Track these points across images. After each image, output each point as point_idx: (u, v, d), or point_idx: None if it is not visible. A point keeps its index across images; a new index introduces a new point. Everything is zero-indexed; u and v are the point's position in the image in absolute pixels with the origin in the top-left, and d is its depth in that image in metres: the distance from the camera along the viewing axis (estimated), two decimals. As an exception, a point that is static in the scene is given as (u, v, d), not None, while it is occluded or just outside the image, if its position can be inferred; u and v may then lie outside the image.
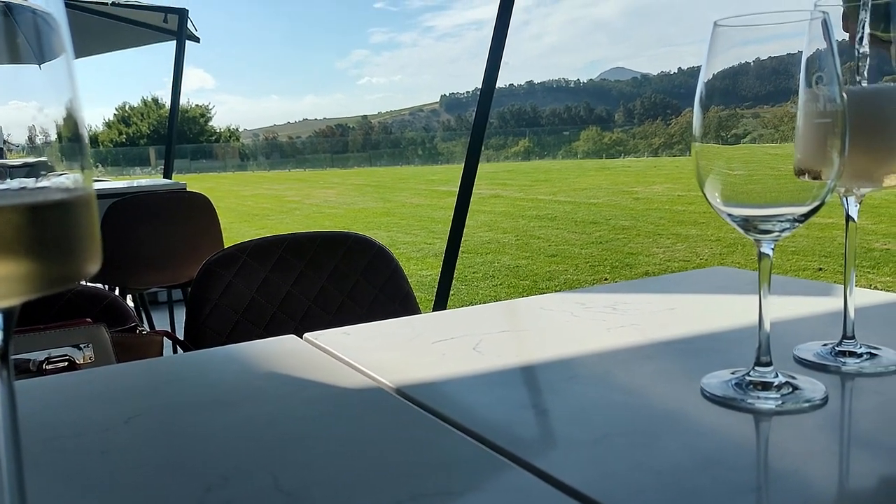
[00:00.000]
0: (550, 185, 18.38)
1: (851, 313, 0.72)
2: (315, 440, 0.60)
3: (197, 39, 6.05)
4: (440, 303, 3.69)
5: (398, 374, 0.74)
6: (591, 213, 12.24)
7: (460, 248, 3.77)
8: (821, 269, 7.03)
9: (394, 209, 14.79)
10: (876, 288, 0.99)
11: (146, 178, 11.08)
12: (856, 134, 0.60)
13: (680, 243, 9.04)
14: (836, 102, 0.57)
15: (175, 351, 2.34)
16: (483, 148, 3.79)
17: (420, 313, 1.39)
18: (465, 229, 3.67)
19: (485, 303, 1.06)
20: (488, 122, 3.62)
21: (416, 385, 0.71)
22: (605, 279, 7.23)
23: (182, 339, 1.30)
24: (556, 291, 1.04)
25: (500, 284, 7.22)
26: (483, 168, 4.60)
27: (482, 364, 0.76)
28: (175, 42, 5.85)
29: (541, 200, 14.62)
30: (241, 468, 0.55)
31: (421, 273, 7.68)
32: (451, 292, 3.89)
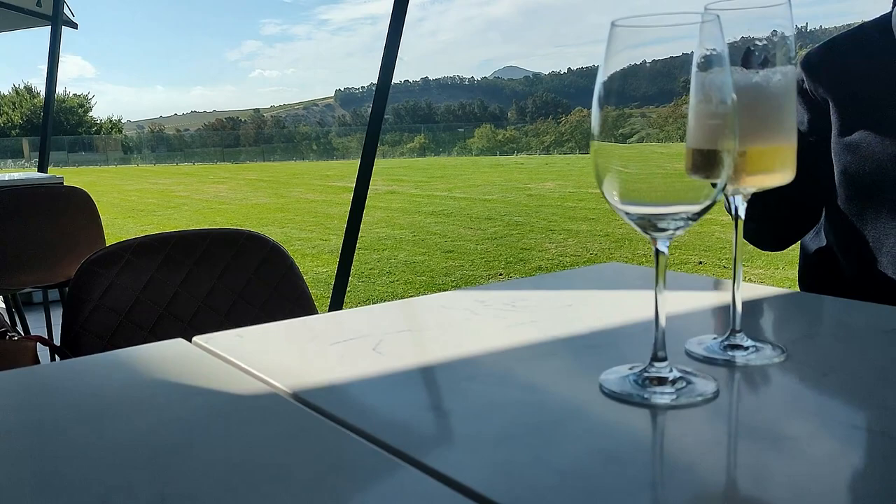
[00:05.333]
0: (446, 181, 18.51)
1: (739, 308, 0.75)
2: (205, 450, 0.56)
3: (74, 25, 5.71)
4: (337, 300, 3.64)
5: (294, 377, 0.71)
6: (485, 209, 12.41)
7: (357, 245, 3.73)
8: (701, 263, 7.40)
9: (288, 205, 14.49)
10: (751, 280, 1.04)
11: (19, 172, 10.38)
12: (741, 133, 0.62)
13: (571, 238, 9.30)
14: (727, 104, 0.59)
15: (53, 358, 2.19)
16: (379, 144, 3.76)
17: (317, 313, 1.35)
18: (361, 225, 3.64)
19: (382, 299, 1.05)
20: (384, 118, 3.59)
21: (314, 389, 0.68)
22: (500, 274, 7.34)
23: (59, 344, 1.22)
24: (452, 287, 1.04)
25: (398, 280, 7.21)
26: (379, 164, 4.57)
27: (382, 365, 0.75)
28: (50, 27, 5.49)
29: (436, 196, 14.70)
30: (124, 485, 0.51)
31: (317, 270, 7.56)
32: (348, 289, 3.84)
